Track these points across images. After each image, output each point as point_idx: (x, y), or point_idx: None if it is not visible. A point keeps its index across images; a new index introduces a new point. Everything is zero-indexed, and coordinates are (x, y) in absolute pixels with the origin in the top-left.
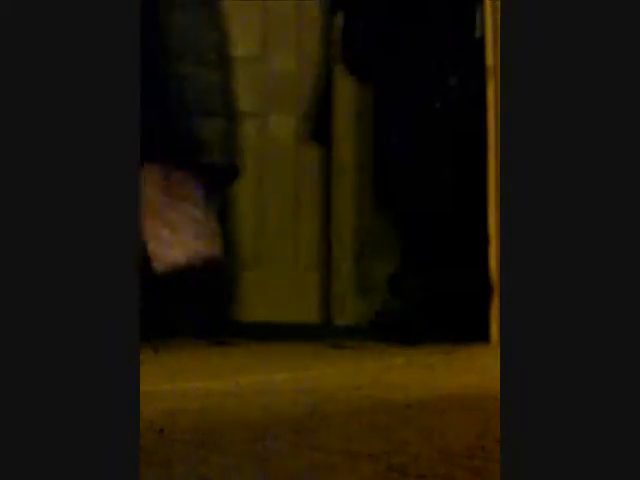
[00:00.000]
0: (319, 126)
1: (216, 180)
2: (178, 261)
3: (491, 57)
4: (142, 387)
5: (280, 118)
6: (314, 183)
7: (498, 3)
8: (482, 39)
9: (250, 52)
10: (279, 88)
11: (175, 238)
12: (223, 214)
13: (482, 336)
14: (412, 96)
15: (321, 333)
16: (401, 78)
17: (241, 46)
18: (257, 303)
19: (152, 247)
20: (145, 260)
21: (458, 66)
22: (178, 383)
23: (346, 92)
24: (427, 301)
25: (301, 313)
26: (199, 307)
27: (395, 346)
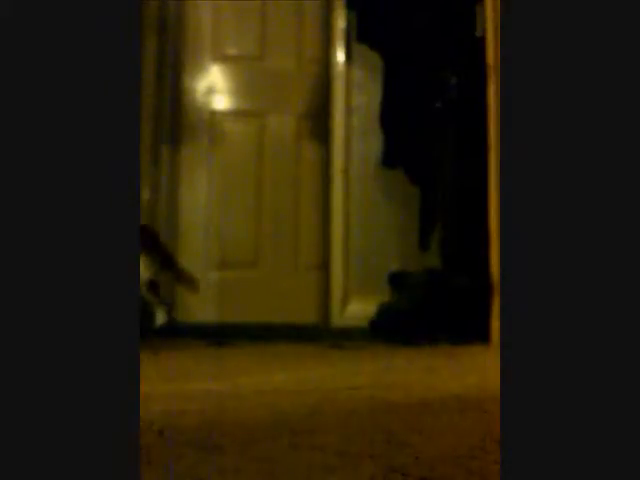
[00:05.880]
0: (318, 125)
1: None
2: None
3: (492, 56)
4: (142, 388)
5: (280, 118)
6: (314, 183)
7: (498, 3)
8: (483, 38)
9: (250, 52)
10: (279, 88)
11: None
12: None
13: (482, 336)
14: (413, 95)
15: (321, 333)
16: (401, 77)
17: (241, 46)
18: (257, 303)
19: None
20: None
21: (459, 65)
22: (178, 384)
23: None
24: (427, 301)
25: (301, 313)
26: None
27: (395, 346)
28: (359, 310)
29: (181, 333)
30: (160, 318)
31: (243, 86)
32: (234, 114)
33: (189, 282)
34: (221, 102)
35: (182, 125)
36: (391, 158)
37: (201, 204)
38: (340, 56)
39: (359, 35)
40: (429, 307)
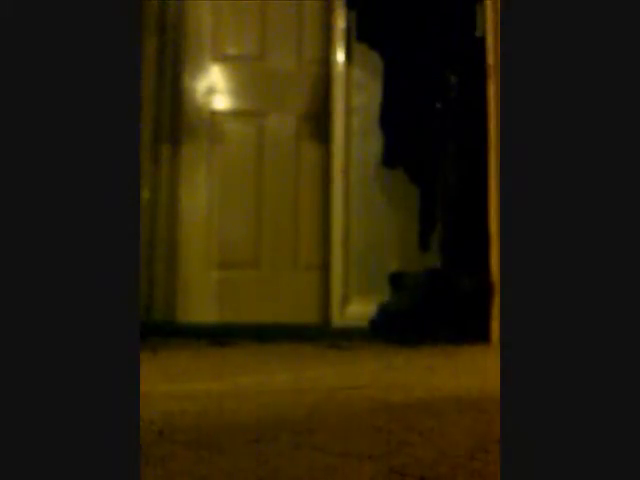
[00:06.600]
0: (318, 125)
1: None
2: None
3: (492, 56)
4: (142, 388)
5: (280, 118)
6: (314, 183)
7: (498, 3)
8: (483, 38)
9: (250, 52)
10: (279, 88)
11: None
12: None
13: (482, 336)
14: (413, 95)
15: (321, 333)
16: (401, 77)
17: (241, 46)
18: (257, 303)
19: None
20: None
21: (459, 65)
22: (178, 384)
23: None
24: (428, 301)
25: (301, 313)
26: None
27: (395, 346)
28: (359, 310)
29: (181, 333)
30: None
31: (243, 86)
32: (234, 114)
33: None
34: (221, 102)
35: (182, 125)
36: (391, 158)
37: (201, 204)
38: (340, 56)
39: (359, 35)
40: (429, 307)
